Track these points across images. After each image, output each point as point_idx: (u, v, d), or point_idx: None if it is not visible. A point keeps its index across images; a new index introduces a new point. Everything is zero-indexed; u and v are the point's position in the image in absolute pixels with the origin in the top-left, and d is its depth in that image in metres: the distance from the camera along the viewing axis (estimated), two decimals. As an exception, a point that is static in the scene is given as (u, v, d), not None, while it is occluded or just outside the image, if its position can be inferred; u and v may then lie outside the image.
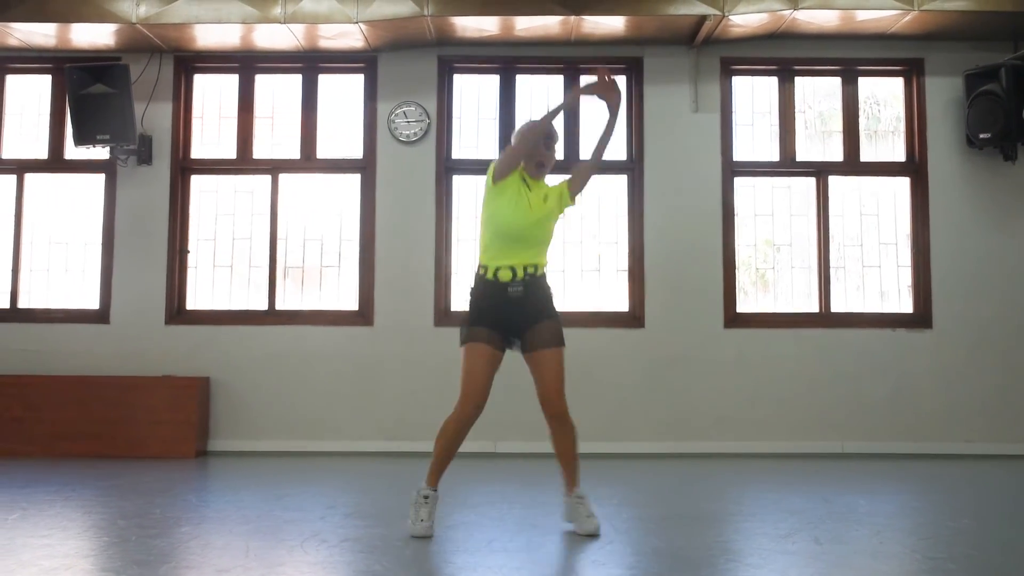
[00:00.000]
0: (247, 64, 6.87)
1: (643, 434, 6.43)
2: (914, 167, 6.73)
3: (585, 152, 6.68)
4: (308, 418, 6.50)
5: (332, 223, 6.81)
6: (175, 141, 6.75)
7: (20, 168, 6.83)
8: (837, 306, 6.66)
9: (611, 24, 6.28)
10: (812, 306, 6.68)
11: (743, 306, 6.67)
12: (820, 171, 6.75)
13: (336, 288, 6.77)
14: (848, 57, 6.75)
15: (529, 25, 6.27)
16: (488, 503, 4.50)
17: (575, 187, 3.92)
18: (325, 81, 6.90)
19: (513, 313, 3.73)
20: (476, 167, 6.72)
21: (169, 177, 6.71)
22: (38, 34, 6.42)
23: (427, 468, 3.75)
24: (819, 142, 6.85)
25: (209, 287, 6.79)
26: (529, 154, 3.80)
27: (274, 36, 6.42)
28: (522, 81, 6.86)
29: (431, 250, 6.61)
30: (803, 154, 6.79)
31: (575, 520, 3.76)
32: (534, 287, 3.75)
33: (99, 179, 6.80)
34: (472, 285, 3.84)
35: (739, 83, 6.84)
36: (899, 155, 6.81)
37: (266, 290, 6.72)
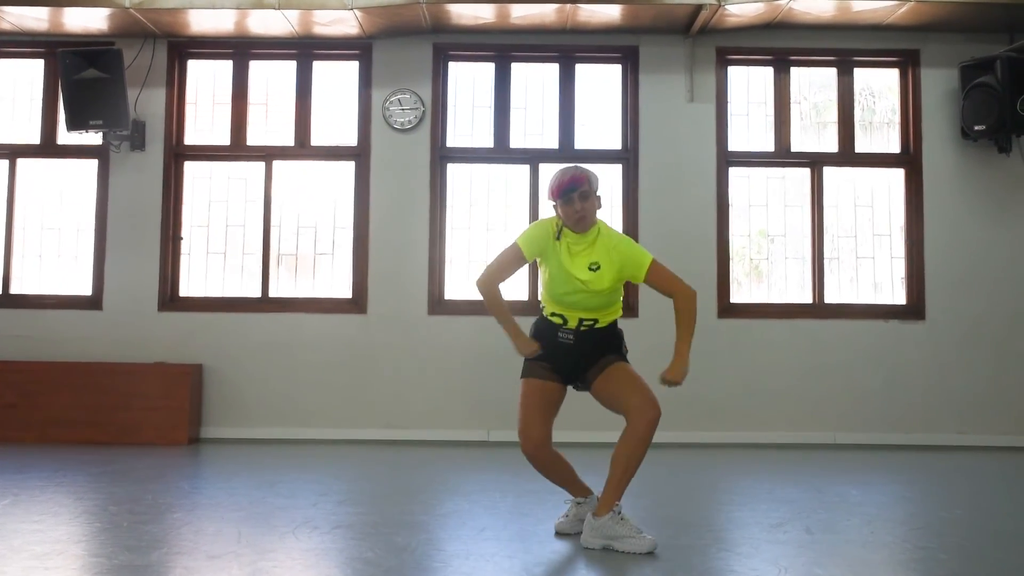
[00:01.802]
0: (241, 50, 6.83)
1: (636, 424, 6.43)
2: (909, 159, 6.73)
3: (580, 142, 6.68)
4: (301, 406, 6.49)
5: (326, 210, 6.78)
6: (168, 127, 6.71)
7: (12, 153, 6.79)
8: (830, 297, 6.67)
9: (607, 12, 6.26)
10: (805, 297, 6.69)
11: (737, 296, 6.68)
12: (815, 162, 6.75)
13: (330, 276, 6.75)
14: (844, 48, 6.74)
15: (525, 13, 6.24)
16: (481, 491, 4.51)
17: (653, 283, 3.63)
18: (319, 68, 6.87)
19: (566, 357, 3.50)
20: (471, 155, 6.71)
21: (162, 163, 6.68)
22: (30, 18, 6.37)
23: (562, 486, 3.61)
24: (814, 133, 6.85)
25: (202, 274, 6.76)
26: (564, 214, 3.43)
27: (268, 22, 6.38)
28: (517, 69, 6.83)
29: (425, 238, 6.60)
30: (798, 145, 6.79)
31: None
32: (588, 337, 3.50)
33: (92, 165, 6.76)
34: (538, 319, 3.64)
35: (735, 73, 6.82)
36: (894, 147, 6.80)
37: (259, 277, 6.70)
